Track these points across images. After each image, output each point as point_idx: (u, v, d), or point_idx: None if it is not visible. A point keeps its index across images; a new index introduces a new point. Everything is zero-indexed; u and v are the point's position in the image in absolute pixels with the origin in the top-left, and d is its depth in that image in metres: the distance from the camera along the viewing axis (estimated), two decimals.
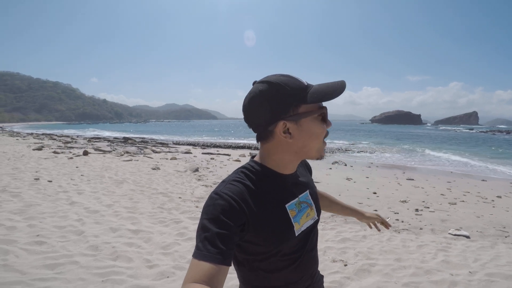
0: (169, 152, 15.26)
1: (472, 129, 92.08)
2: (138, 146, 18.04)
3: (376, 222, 1.24)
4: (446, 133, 60.25)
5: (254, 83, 0.79)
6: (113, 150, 14.46)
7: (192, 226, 3.93)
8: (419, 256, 3.25)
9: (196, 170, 8.81)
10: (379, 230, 1.26)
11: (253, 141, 27.53)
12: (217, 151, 17.00)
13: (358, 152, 19.42)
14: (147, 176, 7.49)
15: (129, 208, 4.62)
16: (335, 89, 0.74)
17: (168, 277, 2.61)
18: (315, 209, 0.91)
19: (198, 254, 0.65)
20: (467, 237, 3.99)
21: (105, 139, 24.83)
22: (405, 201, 6.18)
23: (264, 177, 0.80)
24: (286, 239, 0.79)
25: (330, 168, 11.02)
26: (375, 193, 6.81)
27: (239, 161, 12.32)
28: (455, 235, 4.03)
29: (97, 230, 3.57)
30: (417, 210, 5.50)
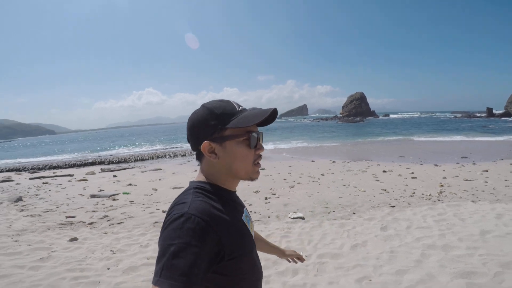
0: None
1: (305, 119, 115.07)
2: None
3: (294, 257, 1.35)
4: (290, 124, 72.33)
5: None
6: None
7: (7, 262, 3.28)
8: None
9: (19, 199, 7.11)
10: (296, 262, 1.37)
11: (107, 155, 23.95)
12: (54, 173, 13.71)
13: None
14: None
15: None
16: (258, 116, 0.80)
17: None
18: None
19: (164, 283, 0.62)
20: (303, 218, 4.69)
21: None
22: (257, 191, 6.77)
23: (219, 194, 0.82)
24: (252, 248, 0.84)
25: (195, 170, 10.99)
26: None
27: (86, 180, 10.40)
28: (293, 218, 4.67)
29: None
30: (266, 198, 6.11)
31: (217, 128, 0.79)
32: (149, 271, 3.02)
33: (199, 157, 0.86)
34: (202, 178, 0.85)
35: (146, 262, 3.23)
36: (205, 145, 0.80)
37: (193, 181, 0.87)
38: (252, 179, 0.85)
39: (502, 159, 11.06)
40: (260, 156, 0.85)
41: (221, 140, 0.80)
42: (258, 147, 0.84)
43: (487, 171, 8.37)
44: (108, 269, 3.09)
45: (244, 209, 0.92)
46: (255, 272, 0.85)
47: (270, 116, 0.81)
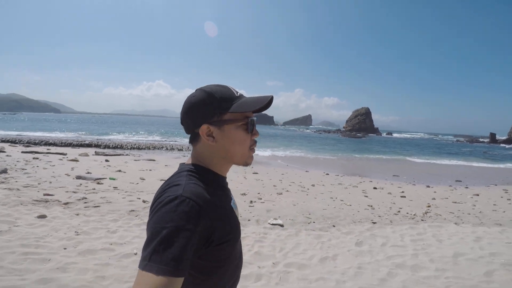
0: None
1: (307, 129, 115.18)
2: None
3: None
4: (293, 133, 71.94)
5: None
6: None
7: None
8: None
9: (3, 171, 7.02)
10: None
11: (105, 139, 24.00)
12: (48, 149, 13.69)
13: None
14: None
15: None
16: (258, 102, 0.82)
17: None
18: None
19: (152, 267, 0.60)
20: (281, 225, 4.58)
21: None
22: (244, 194, 6.68)
23: (211, 178, 0.82)
24: (239, 236, 0.85)
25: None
26: None
27: (77, 160, 10.37)
28: (272, 224, 4.57)
29: None
30: (251, 202, 6.00)
31: (217, 112, 0.80)
32: (106, 256, 2.95)
33: (193, 140, 0.85)
34: (194, 161, 0.85)
35: (107, 247, 3.15)
36: (204, 128, 0.80)
37: (184, 163, 0.85)
38: (247, 163, 0.86)
39: (496, 185, 10.96)
40: (255, 141, 0.87)
41: (220, 123, 0.80)
42: (254, 132, 0.86)
43: (478, 195, 8.28)
44: (65, 249, 3.02)
45: (232, 195, 0.93)
46: (237, 259, 0.85)
47: (268, 103, 0.83)
